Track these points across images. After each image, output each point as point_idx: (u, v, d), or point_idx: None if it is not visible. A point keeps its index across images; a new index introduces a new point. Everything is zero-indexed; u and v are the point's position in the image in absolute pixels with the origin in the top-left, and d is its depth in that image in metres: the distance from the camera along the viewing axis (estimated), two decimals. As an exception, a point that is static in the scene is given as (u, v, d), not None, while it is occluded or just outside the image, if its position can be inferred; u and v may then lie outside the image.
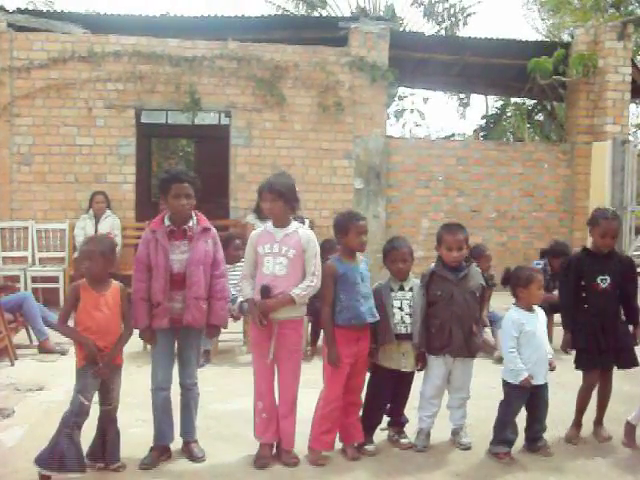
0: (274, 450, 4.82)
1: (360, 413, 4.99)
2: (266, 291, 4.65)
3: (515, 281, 5.03)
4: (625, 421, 5.21)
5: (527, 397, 4.90)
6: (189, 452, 4.82)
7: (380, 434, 5.17)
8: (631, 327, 5.27)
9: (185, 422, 4.90)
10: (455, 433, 5.19)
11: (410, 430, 5.18)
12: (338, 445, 4.94)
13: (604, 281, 5.12)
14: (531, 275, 4.93)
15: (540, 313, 5.01)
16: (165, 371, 4.76)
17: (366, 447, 4.97)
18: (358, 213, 5.03)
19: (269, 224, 4.87)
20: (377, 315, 4.87)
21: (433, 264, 5.24)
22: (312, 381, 5.10)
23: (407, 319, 5.01)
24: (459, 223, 5.30)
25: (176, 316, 4.68)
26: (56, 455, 4.31)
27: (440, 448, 5.09)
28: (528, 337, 4.88)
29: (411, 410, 5.22)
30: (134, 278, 4.72)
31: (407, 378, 5.12)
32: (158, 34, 10.87)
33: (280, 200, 4.76)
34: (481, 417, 5.35)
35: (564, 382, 5.69)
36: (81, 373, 4.49)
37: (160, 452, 4.75)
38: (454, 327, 4.97)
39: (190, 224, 4.75)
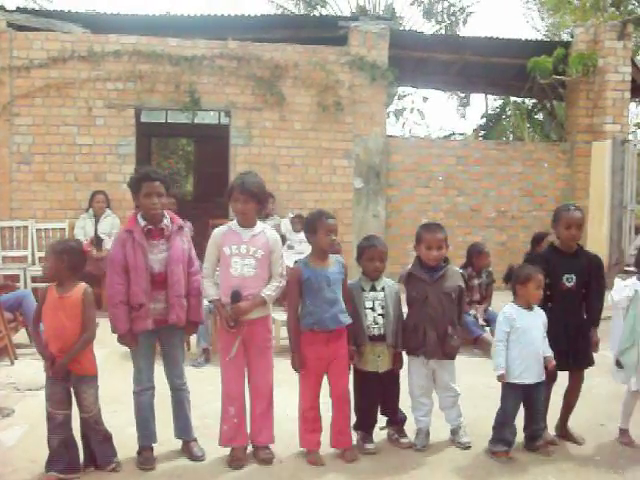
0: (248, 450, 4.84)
1: (350, 417, 4.96)
2: (237, 296, 4.63)
3: (514, 278, 5.02)
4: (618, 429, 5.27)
5: (521, 396, 4.87)
6: (189, 451, 4.82)
7: (381, 433, 5.17)
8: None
9: (181, 422, 4.90)
10: (454, 432, 5.18)
11: (409, 429, 5.17)
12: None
13: (570, 280, 5.06)
14: (530, 274, 4.89)
15: (539, 314, 4.96)
16: (148, 372, 4.75)
17: (366, 446, 4.97)
18: (328, 212, 4.93)
19: (233, 223, 4.83)
20: (344, 320, 4.79)
21: (410, 265, 5.20)
22: (288, 380, 5.13)
23: (380, 320, 4.94)
24: (438, 223, 5.25)
25: (159, 316, 4.65)
26: (49, 457, 4.41)
27: (440, 447, 5.08)
28: (518, 334, 4.85)
29: (408, 409, 5.21)
30: (109, 281, 4.61)
31: (390, 377, 5.06)
32: (158, 33, 10.89)
33: (253, 201, 4.72)
34: (481, 416, 5.35)
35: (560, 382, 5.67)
36: (46, 380, 4.47)
37: (150, 451, 4.74)
38: (428, 328, 4.94)
39: (165, 223, 4.72)
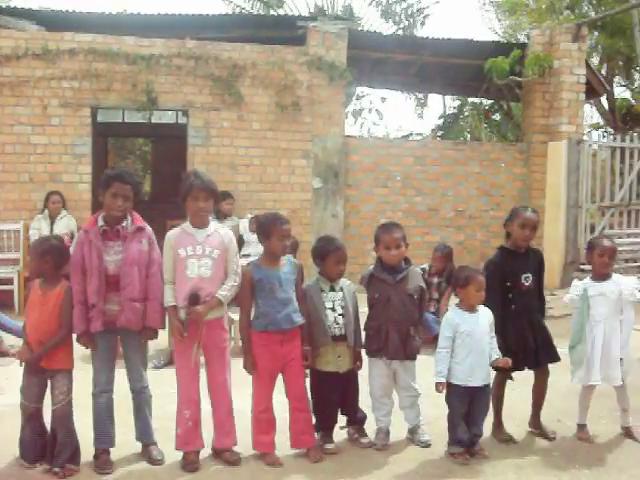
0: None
1: (309, 418, 4.95)
2: (195, 299, 4.59)
3: (455, 281, 5.01)
4: (576, 425, 5.35)
5: (466, 397, 4.87)
6: (148, 454, 4.78)
7: (341, 433, 5.16)
8: None
9: (141, 425, 4.86)
10: (413, 432, 5.20)
11: (370, 428, 5.18)
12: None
13: (527, 279, 5.13)
14: (469, 276, 4.87)
15: (483, 315, 4.93)
16: (107, 374, 4.70)
17: (326, 446, 4.96)
18: (282, 216, 4.93)
19: (186, 224, 4.78)
20: (297, 320, 4.80)
21: (372, 266, 5.20)
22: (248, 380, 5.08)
23: (340, 320, 4.96)
24: (396, 222, 5.27)
25: (112, 318, 4.59)
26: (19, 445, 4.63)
27: (400, 446, 5.10)
28: (463, 338, 4.84)
29: (368, 409, 5.22)
30: (71, 281, 4.62)
31: (350, 377, 5.06)
32: (114, 32, 10.76)
33: (212, 199, 4.73)
34: (439, 415, 5.36)
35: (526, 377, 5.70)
36: (22, 374, 4.63)
37: (107, 454, 4.68)
38: (391, 330, 4.95)
39: (124, 224, 4.66)
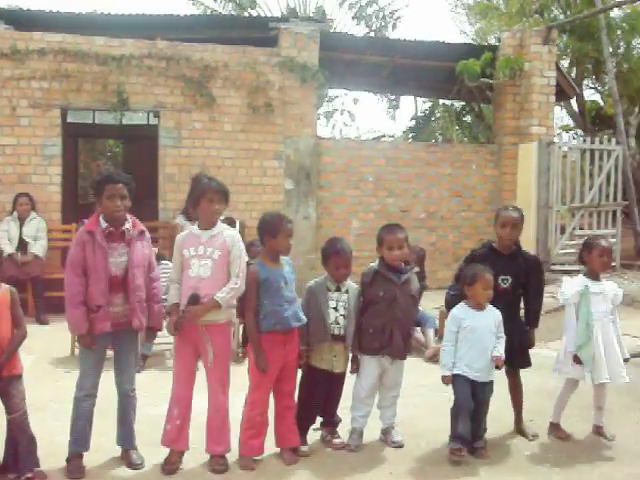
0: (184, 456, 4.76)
1: (295, 416, 4.94)
2: (194, 299, 4.58)
3: (462, 279, 5.07)
4: (549, 423, 5.38)
5: (470, 390, 4.88)
6: (128, 459, 4.73)
7: (312, 434, 5.16)
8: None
9: (125, 429, 4.81)
10: (386, 432, 5.21)
11: (342, 429, 5.18)
12: (274, 449, 4.90)
13: (505, 281, 5.15)
14: (476, 274, 4.92)
15: (491, 313, 4.96)
16: (94, 378, 4.65)
17: (300, 448, 4.94)
18: (286, 215, 4.98)
19: (194, 227, 4.81)
20: (303, 318, 4.84)
21: (373, 263, 5.18)
22: (247, 384, 5.05)
23: (341, 320, 4.99)
24: (398, 224, 5.27)
25: (115, 320, 4.58)
26: None
27: (372, 447, 5.10)
28: (465, 333, 4.92)
29: (342, 410, 5.22)
30: (69, 282, 4.54)
31: (339, 378, 5.10)
32: (84, 32, 10.65)
33: (225, 202, 4.76)
34: (411, 415, 5.39)
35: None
36: None
37: (80, 459, 4.62)
38: (395, 329, 4.98)
39: (127, 226, 4.65)
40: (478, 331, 4.91)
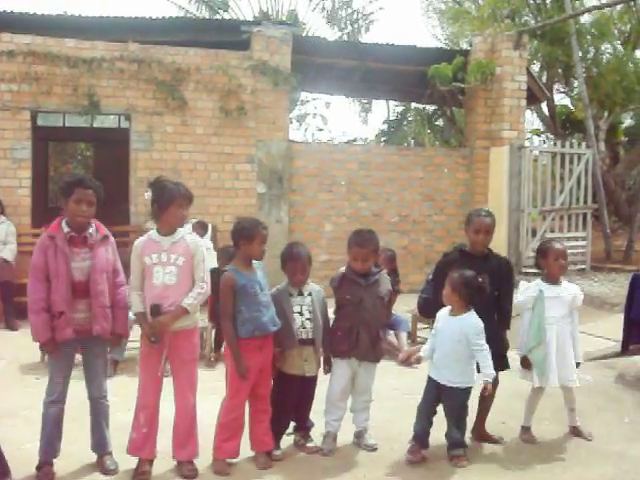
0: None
1: (269, 420, 4.92)
2: (157, 309, 4.52)
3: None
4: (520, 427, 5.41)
5: (434, 391, 4.91)
6: (101, 465, 4.68)
7: (286, 439, 5.14)
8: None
9: (98, 435, 4.76)
10: (359, 435, 5.20)
11: (316, 434, 5.17)
12: (248, 453, 4.87)
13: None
14: (451, 279, 4.91)
15: (465, 322, 4.85)
16: (62, 384, 4.59)
17: (273, 452, 4.93)
18: (262, 221, 4.95)
19: (153, 232, 4.72)
20: (278, 322, 4.83)
21: (343, 268, 5.20)
22: (218, 388, 5.03)
23: (308, 324, 4.98)
24: (370, 231, 5.22)
25: (79, 326, 4.51)
26: None
27: (346, 451, 5.09)
28: (436, 335, 4.98)
29: (315, 414, 5.21)
30: (31, 288, 4.49)
31: (310, 383, 5.10)
32: (55, 34, 10.55)
33: (189, 206, 4.69)
34: (385, 418, 5.39)
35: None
36: None
37: (51, 466, 4.56)
38: (362, 331, 4.99)
39: (90, 231, 4.59)
40: (441, 335, 4.93)
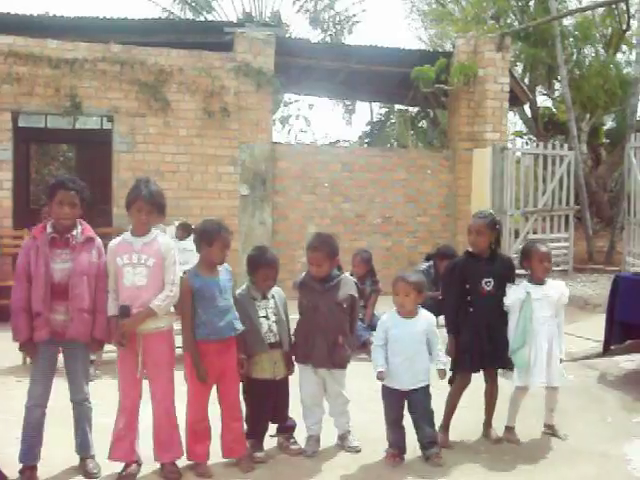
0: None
1: (242, 426, 4.89)
2: (125, 311, 4.49)
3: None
4: (504, 427, 5.41)
5: (397, 399, 4.90)
6: (84, 468, 4.65)
7: (270, 440, 5.12)
8: None
9: (80, 438, 4.72)
10: (343, 438, 5.19)
11: (300, 435, 5.15)
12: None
13: (488, 284, 5.20)
14: (395, 281, 4.92)
15: (422, 320, 4.92)
16: (44, 387, 4.54)
17: (256, 454, 4.90)
18: (225, 225, 4.86)
19: (126, 233, 4.69)
20: (238, 327, 4.77)
21: (304, 273, 5.20)
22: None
23: (274, 327, 4.96)
24: (328, 235, 5.21)
25: (58, 328, 4.47)
26: None
27: (330, 453, 5.08)
28: (391, 342, 4.89)
29: (298, 416, 5.19)
30: (14, 288, 4.48)
31: (282, 384, 5.07)
32: (36, 34, 10.48)
33: (155, 212, 4.63)
34: (368, 420, 5.38)
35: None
36: None
37: (33, 470, 4.52)
38: (317, 338, 4.96)
39: (74, 233, 4.56)
40: (401, 341, 4.88)
